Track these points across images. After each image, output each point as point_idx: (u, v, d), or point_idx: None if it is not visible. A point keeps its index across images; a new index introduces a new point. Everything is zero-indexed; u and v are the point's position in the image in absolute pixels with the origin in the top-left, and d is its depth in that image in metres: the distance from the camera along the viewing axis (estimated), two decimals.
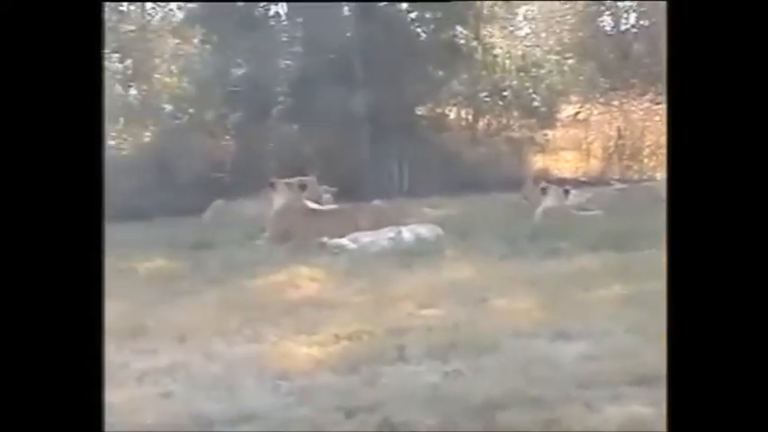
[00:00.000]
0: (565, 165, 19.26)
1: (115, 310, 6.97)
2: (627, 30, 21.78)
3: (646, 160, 19.44)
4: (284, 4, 18.14)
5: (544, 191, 11.75)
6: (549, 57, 19.70)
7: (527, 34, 21.06)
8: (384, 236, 9.82)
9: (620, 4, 21.56)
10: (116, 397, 4.84)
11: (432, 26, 18.42)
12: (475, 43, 18.45)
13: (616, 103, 20.15)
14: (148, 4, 19.61)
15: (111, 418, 4.47)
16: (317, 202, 11.95)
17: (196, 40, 19.10)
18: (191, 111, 18.13)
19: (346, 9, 17.81)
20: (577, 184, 15.64)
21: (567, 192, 11.82)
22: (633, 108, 19.96)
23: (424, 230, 10.05)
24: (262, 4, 18.22)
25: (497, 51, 19.10)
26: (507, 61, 19.11)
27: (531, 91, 18.86)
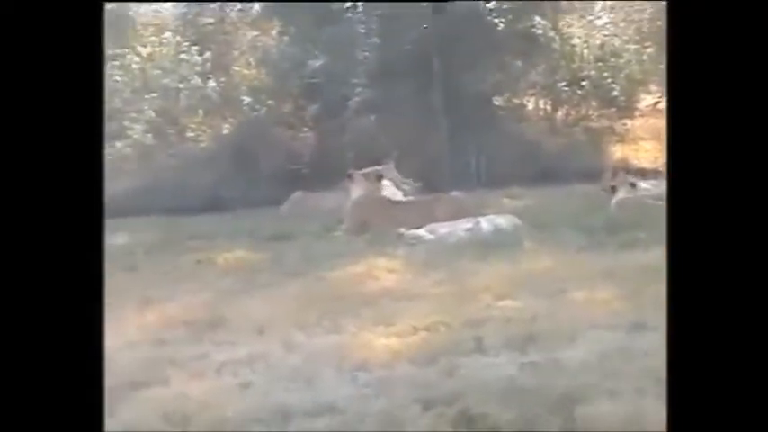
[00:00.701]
0: (644, 154, 19.00)
1: (195, 302, 7.10)
2: None
3: None
4: None
5: (614, 189, 11.63)
6: (627, 46, 19.45)
7: (605, 24, 20.77)
8: (462, 227, 9.79)
9: None
10: (195, 388, 4.91)
11: (509, 16, 18.29)
12: (553, 33, 18.31)
13: None
14: None
15: (190, 409, 4.56)
16: (397, 187, 11.97)
17: (274, 32, 19.19)
18: (269, 103, 18.22)
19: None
20: (656, 174, 15.45)
21: (633, 185, 11.69)
22: None
23: (502, 221, 10.01)
24: None
25: (575, 41, 18.94)
26: (585, 51, 18.93)
27: (609, 81, 18.66)
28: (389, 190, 11.73)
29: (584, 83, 18.68)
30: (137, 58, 17.70)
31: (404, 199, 11.86)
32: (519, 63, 18.71)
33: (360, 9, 18.14)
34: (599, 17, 20.71)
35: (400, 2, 17.40)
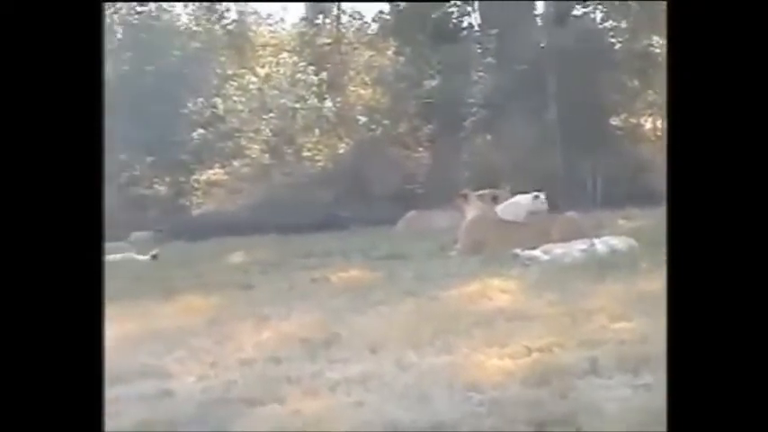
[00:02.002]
0: None
1: (309, 320, 7.16)
2: None
3: None
4: (477, 15, 18.18)
5: None
6: None
7: None
8: (577, 247, 9.72)
9: None
10: (309, 406, 4.94)
11: (626, 36, 18.16)
12: None
13: None
14: (344, 18, 19.92)
15: (304, 427, 4.60)
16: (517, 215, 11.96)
17: (390, 52, 19.32)
18: (384, 122, 18.35)
19: (539, 20, 17.73)
20: None
21: None
22: None
23: (618, 242, 9.90)
24: (455, 16, 18.30)
25: None
26: None
27: None
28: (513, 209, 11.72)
29: None
30: (254, 79, 17.99)
31: (519, 220, 11.83)
32: (636, 83, 18.52)
33: (476, 28, 18.16)
34: None
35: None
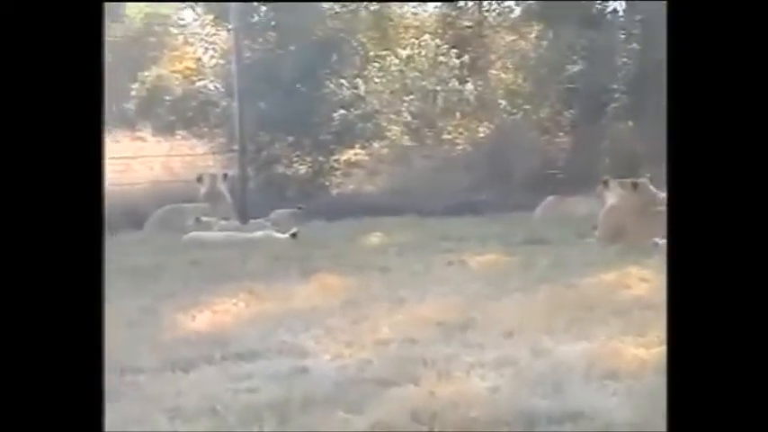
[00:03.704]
0: None
1: (445, 303, 7.18)
2: None
3: None
4: (622, 1, 17.94)
5: None
6: None
7: None
8: None
9: None
10: (444, 389, 4.97)
11: None
12: None
13: None
14: (487, 1, 19.85)
15: (438, 409, 4.63)
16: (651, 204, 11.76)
17: (532, 36, 19.18)
18: (525, 107, 18.24)
19: None
20: None
21: None
22: None
23: None
24: (599, 1, 18.09)
25: None
26: None
27: None
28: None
29: None
30: (396, 60, 18.04)
31: (660, 208, 11.64)
32: None
33: (621, 14, 17.91)
34: None
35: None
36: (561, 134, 18.49)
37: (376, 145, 17.50)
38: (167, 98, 19.86)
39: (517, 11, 19.68)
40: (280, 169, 17.67)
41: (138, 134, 17.96)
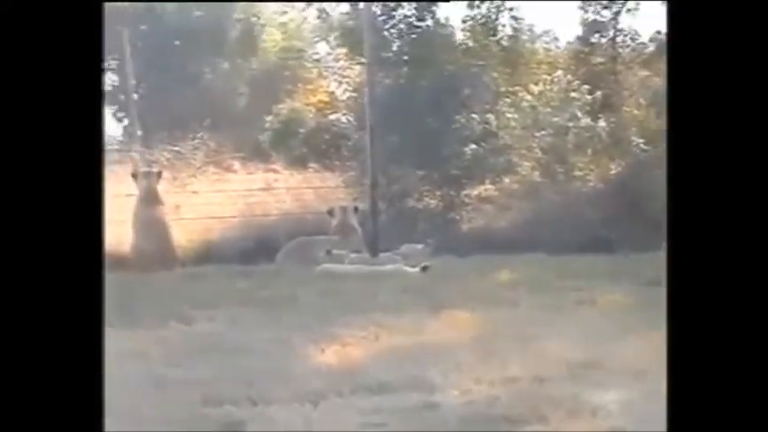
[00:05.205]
0: None
1: (573, 341, 7.16)
2: None
3: None
4: None
5: None
6: None
7: None
8: None
9: None
10: (571, 428, 4.97)
11: None
12: None
13: None
14: (620, 37, 19.73)
15: None
16: None
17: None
18: (659, 144, 18.03)
19: None
20: None
21: None
22: None
23: None
24: None
25: None
26: None
27: None
28: None
29: None
30: (528, 96, 18.03)
31: None
32: None
33: None
34: None
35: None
36: None
37: (506, 180, 17.49)
38: (300, 130, 20.16)
39: (651, 47, 19.50)
40: (410, 203, 17.77)
41: (272, 166, 18.27)
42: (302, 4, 23.34)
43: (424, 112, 17.45)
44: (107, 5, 3.78)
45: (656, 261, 12.70)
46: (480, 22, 18.96)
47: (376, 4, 17.66)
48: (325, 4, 19.65)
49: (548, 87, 18.27)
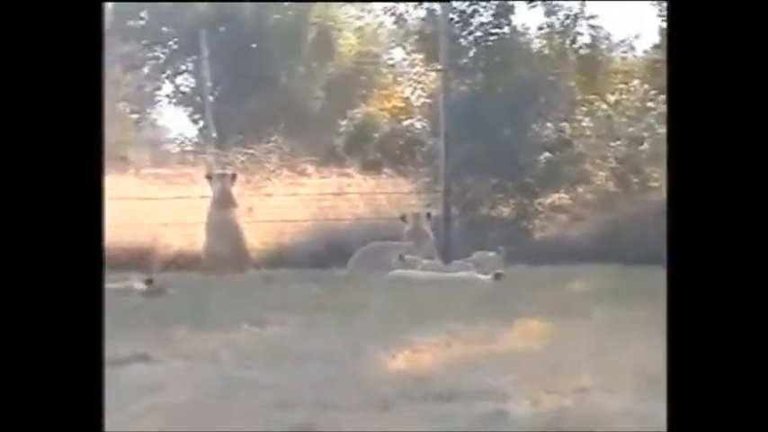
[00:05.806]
0: None
1: (646, 353, 7.07)
2: None
3: None
4: None
5: None
6: None
7: None
8: None
9: None
10: None
11: None
12: None
13: None
14: None
15: None
16: None
17: None
18: None
19: None
20: None
21: None
22: None
23: None
24: None
25: None
26: None
27: None
28: None
29: None
30: (603, 105, 17.91)
31: None
32: None
33: None
34: None
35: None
36: None
37: (580, 190, 17.38)
38: (375, 135, 20.22)
39: None
40: (483, 211, 17.72)
41: (345, 170, 18.34)
42: (379, 10, 23.41)
43: (498, 119, 17.39)
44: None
45: None
46: (557, 30, 18.85)
47: (453, 10, 17.63)
48: (401, 10, 19.64)
49: (624, 97, 18.14)
